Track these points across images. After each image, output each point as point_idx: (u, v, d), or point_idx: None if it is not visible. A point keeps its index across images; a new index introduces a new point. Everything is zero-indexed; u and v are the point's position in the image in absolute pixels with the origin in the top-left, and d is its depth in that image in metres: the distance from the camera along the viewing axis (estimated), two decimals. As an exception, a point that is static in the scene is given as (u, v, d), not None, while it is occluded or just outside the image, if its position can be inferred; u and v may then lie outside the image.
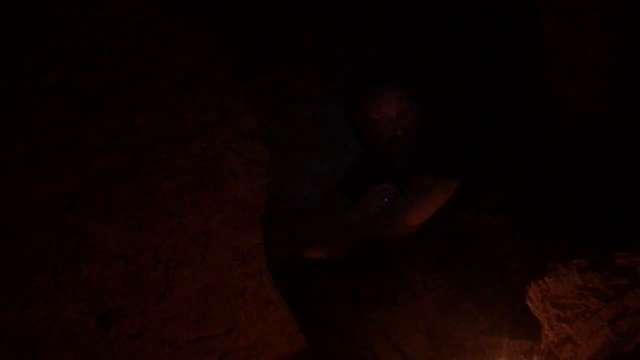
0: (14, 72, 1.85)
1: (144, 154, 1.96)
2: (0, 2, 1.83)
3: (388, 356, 2.14)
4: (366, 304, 2.18)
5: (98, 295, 1.89)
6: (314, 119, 3.08)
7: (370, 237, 2.36)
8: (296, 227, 2.50)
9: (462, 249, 2.33)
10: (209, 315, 1.99)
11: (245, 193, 2.06)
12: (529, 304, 1.99)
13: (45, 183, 1.86)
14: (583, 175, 2.20)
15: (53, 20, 1.89)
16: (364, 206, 2.46)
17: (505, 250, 2.31)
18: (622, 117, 2.10)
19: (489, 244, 2.34)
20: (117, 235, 1.91)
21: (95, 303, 1.88)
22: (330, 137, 3.06)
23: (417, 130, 2.55)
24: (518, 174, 2.42)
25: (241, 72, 2.15)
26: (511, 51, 2.48)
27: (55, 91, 1.88)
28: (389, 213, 2.42)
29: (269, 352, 2.06)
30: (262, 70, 2.87)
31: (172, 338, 1.95)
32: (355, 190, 2.57)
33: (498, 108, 2.60)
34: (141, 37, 1.98)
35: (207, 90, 2.05)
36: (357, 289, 2.21)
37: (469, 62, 2.73)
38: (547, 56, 2.26)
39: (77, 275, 1.87)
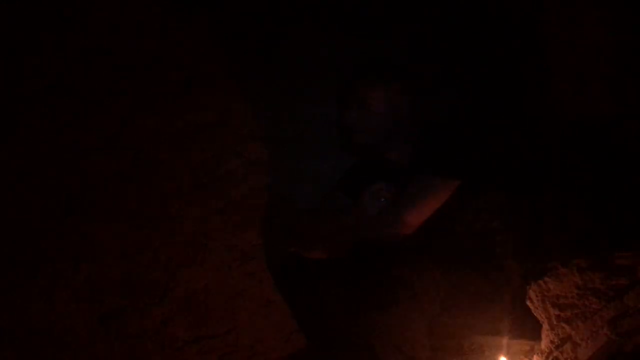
0: (14, 73, 1.85)
1: (144, 154, 1.95)
2: (0, 2, 1.83)
3: (388, 356, 2.14)
4: (366, 304, 2.18)
5: (98, 295, 1.88)
6: (314, 119, 3.08)
7: (371, 237, 2.35)
8: (296, 227, 2.49)
9: (462, 248, 2.33)
10: (208, 315, 1.99)
11: (245, 193, 2.05)
12: (529, 304, 1.99)
13: (45, 183, 1.86)
14: (583, 175, 2.20)
15: (53, 20, 1.89)
16: (362, 207, 2.46)
17: (505, 250, 2.31)
18: (621, 118, 2.10)
19: (489, 244, 2.34)
20: (117, 235, 1.91)
21: (95, 303, 1.88)
22: (330, 137, 3.06)
23: (415, 129, 2.56)
24: (518, 174, 2.41)
25: (241, 72, 2.15)
26: (511, 51, 2.48)
27: (55, 91, 1.88)
28: (389, 213, 2.42)
29: (268, 352, 2.05)
30: (262, 70, 2.87)
31: (172, 338, 1.94)
32: (355, 190, 2.57)
33: (498, 108, 2.59)
34: (141, 37, 1.98)
35: (207, 90, 2.04)
36: (357, 289, 2.21)
37: (469, 62, 2.73)
38: (547, 56, 2.26)
39: (77, 275, 1.87)
